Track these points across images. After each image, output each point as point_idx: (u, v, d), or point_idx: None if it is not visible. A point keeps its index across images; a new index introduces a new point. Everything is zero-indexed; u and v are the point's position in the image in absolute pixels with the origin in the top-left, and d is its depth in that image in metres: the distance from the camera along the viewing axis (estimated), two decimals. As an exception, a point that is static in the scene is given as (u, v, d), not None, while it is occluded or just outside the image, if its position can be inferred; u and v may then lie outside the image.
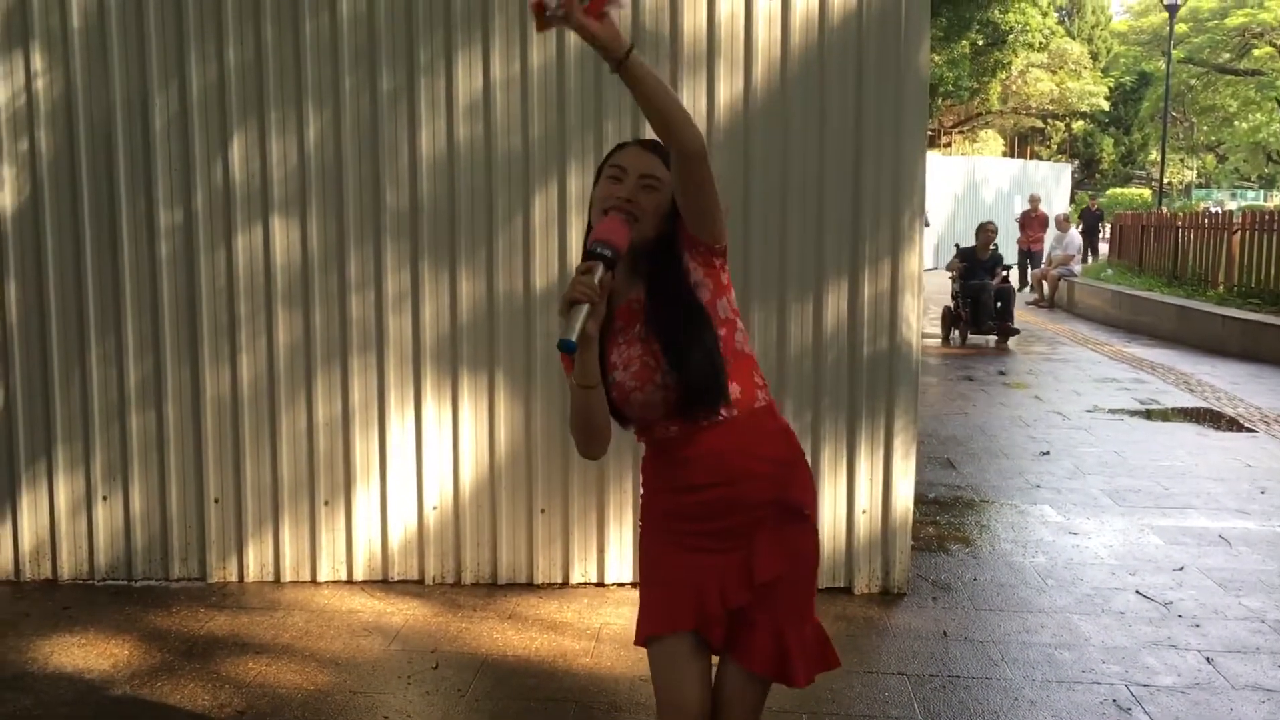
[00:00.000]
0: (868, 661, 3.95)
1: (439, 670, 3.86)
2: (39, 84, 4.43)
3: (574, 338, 2.08)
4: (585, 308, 2.09)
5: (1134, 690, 3.73)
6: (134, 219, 4.50)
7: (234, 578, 4.65)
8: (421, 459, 4.60)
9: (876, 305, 4.46)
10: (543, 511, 4.60)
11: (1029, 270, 20.29)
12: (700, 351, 2.21)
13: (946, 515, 5.79)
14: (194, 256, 4.51)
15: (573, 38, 4.40)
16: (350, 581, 4.65)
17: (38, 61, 4.42)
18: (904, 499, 4.56)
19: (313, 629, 4.19)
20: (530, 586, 4.62)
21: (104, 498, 4.62)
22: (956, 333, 13.47)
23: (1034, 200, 20.85)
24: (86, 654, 3.95)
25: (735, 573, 2.26)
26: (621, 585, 4.63)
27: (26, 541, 4.64)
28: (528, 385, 4.55)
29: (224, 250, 4.51)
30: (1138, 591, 4.69)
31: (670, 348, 2.21)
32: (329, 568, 4.65)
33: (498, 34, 4.40)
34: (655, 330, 2.23)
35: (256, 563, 4.65)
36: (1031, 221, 20.44)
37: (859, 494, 4.55)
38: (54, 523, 4.64)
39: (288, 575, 4.65)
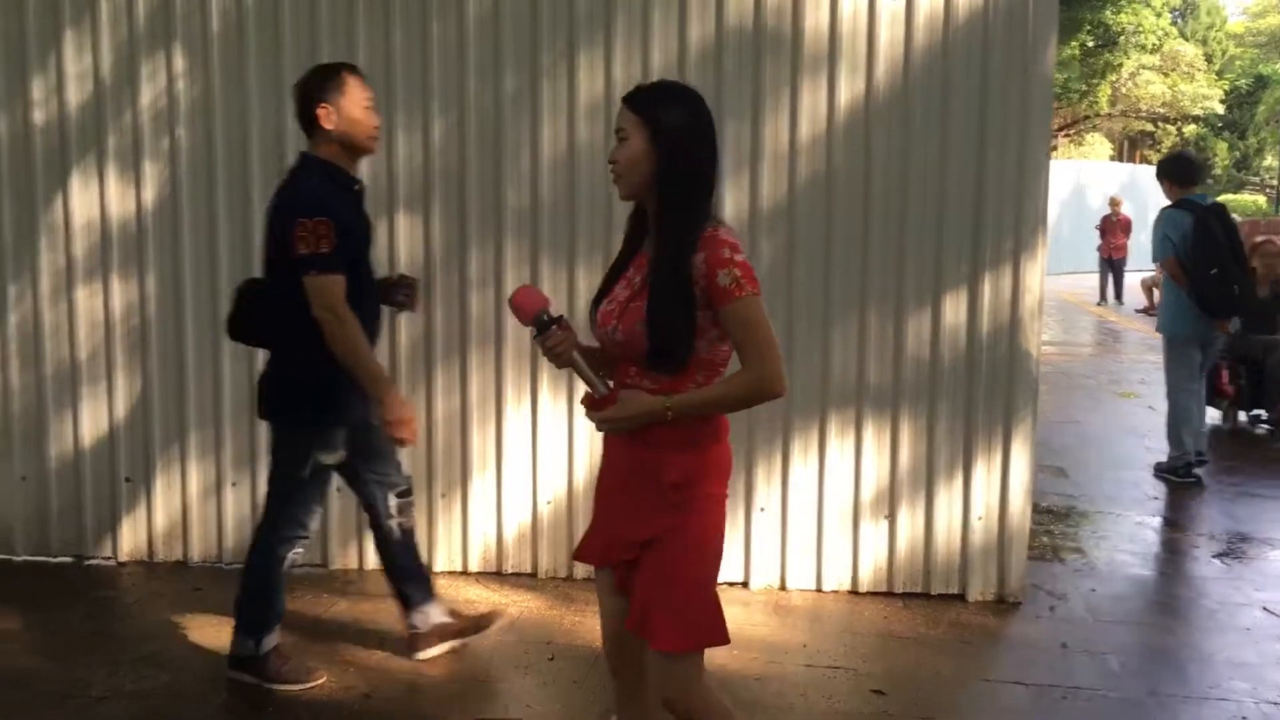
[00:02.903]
0: (984, 669, 3.90)
1: (554, 661, 3.92)
2: (180, 85, 4.61)
3: (602, 389, 2.46)
4: (576, 358, 2.47)
5: (1264, 707, 3.62)
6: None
7: (354, 565, 4.78)
8: (537, 454, 4.67)
9: (996, 310, 4.40)
10: (655, 509, 4.63)
11: (1109, 282, 18.85)
12: (671, 315, 2.37)
13: (1061, 525, 5.68)
14: (322, 252, 4.64)
15: (693, 35, 4.43)
16: (465, 572, 4.75)
17: (179, 63, 4.60)
18: (1020, 506, 4.50)
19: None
20: (641, 583, 4.65)
21: (233, 484, 4.78)
22: (1219, 413, 8.51)
23: (1114, 203, 19.05)
24: (219, 633, 4.10)
25: (625, 528, 2.50)
26: (731, 585, 4.64)
27: (160, 524, 4.83)
28: (642, 383, 4.58)
29: (350, 247, 4.64)
30: (1264, 608, 4.55)
31: (653, 303, 2.38)
32: (445, 558, 4.75)
33: (619, 35, 4.46)
34: (650, 284, 2.40)
35: (377, 553, 4.76)
36: (1113, 227, 18.67)
37: (974, 500, 4.50)
38: (186, 507, 4.82)
39: (405, 564, 4.76)
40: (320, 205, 3.33)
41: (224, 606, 4.33)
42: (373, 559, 4.75)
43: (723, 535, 2.50)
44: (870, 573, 4.60)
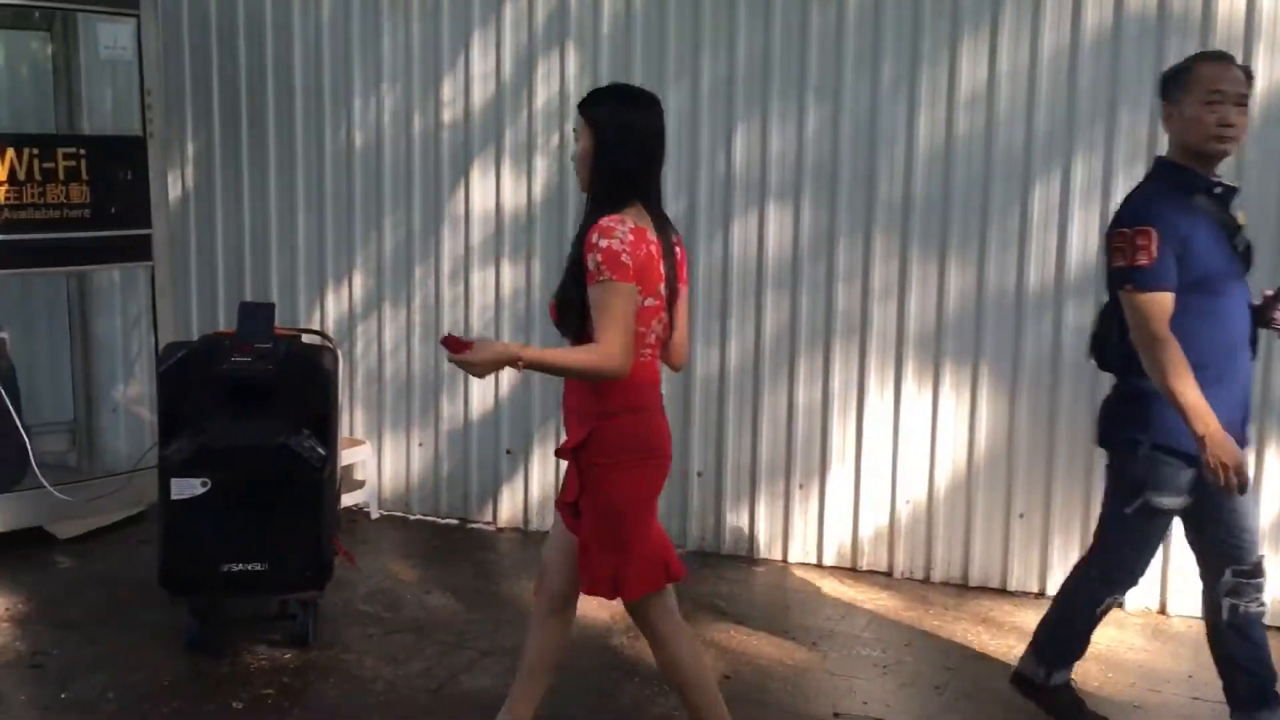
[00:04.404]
0: None
1: (913, 664, 3.85)
2: (570, 85, 4.88)
3: None
4: None
5: None
6: (643, 207, 4.84)
7: (711, 548, 4.90)
8: (897, 451, 4.60)
9: None
10: (1021, 516, 4.44)
11: None
12: (565, 292, 2.75)
13: None
14: (693, 243, 4.77)
15: (1088, 18, 4.19)
16: (819, 565, 4.75)
17: (571, 64, 4.88)
18: None
19: (787, 607, 4.33)
20: (1003, 592, 4.49)
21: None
22: None
23: None
24: (588, 603, 4.19)
25: (567, 485, 2.89)
26: (1104, 603, 4.36)
27: (535, 495, 5.17)
28: (1013, 383, 4.41)
29: (721, 237, 4.75)
30: None
31: (562, 283, 2.79)
32: (800, 549, 4.78)
33: (1006, 21, 4.29)
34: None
35: (732, 537, 4.87)
36: None
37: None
38: (559, 481, 5.08)
39: (760, 552, 4.83)
40: (1145, 214, 2.98)
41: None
42: (729, 543, 4.86)
43: (620, 497, 2.77)
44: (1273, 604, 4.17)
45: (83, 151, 4.58)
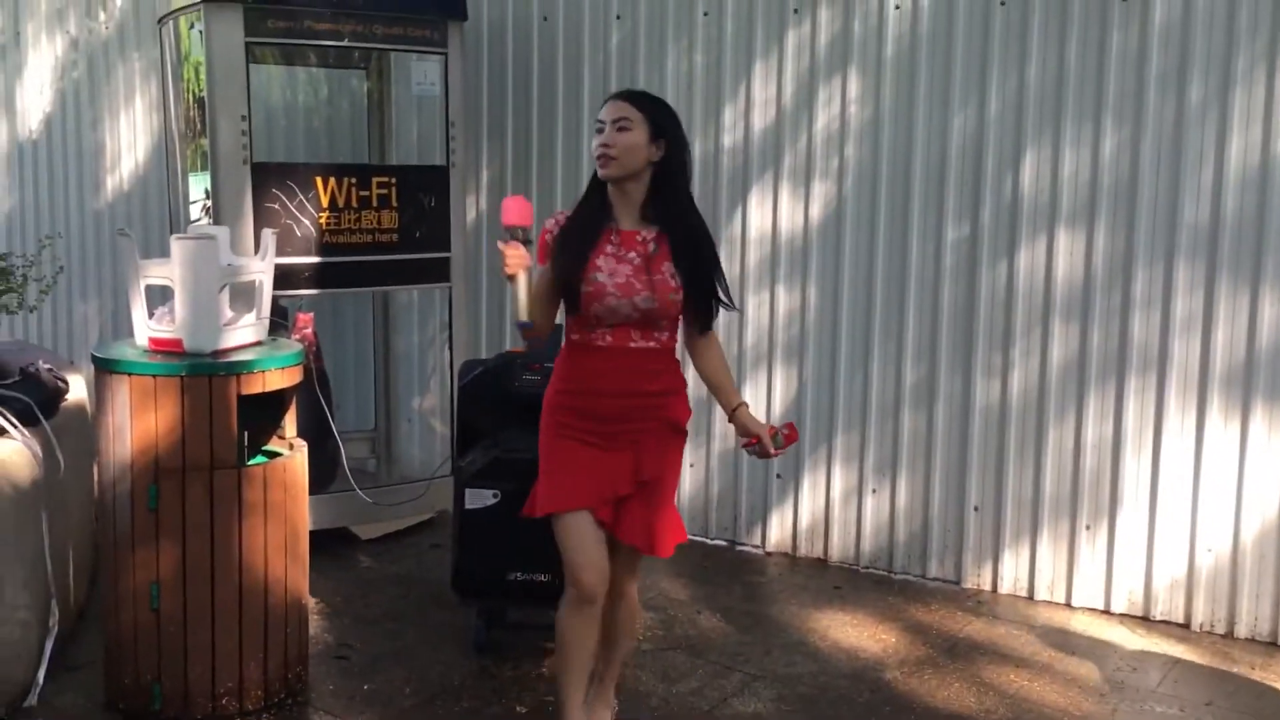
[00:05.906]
0: None
1: (1217, 726, 3.58)
2: (852, 109, 4.85)
3: (525, 316, 2.90)
4: (521, 279, 2.88)
5: None
6: (923, 232, 4.75)
7: (987, 586, 4.73)
8: (1198, 494, 4.29)
9: None
10: (1344, 572, 4.05)
11: None
12: (713, 280, 3.07)
13: None
14: (975, 269, 4.65)
15: None
16: (1107, 611, 4.48)
17: (853, 88, 4.85)
18: None
19: (1073, 653, 4.11)
20: (1320, 654, 4.10)
21: (873, 490, 4.96)
22: None
23: None
24: (859, 634, 4.27)
25: (626, 470, 3.01)
26: None
27: (804, 520, 5.14)
28: (1337, 427, 4.03)
29: (1005, 264, 4.59)
30: None
31: (693, 273, 3.02)
32: (1085, 593, 4.53)
33: (1338, 33, 3.95)
34: (679, 260, 3.00)
35: (1011, 575, 4.67)
36: None
37: None
38: (829, 507, 5.08)
39: (1041, 593, 4.61)
40: None
41: (861, 608, 4.53)
42: (1008, 581, 4.67)
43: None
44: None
45: (393, 180, 4.95)
